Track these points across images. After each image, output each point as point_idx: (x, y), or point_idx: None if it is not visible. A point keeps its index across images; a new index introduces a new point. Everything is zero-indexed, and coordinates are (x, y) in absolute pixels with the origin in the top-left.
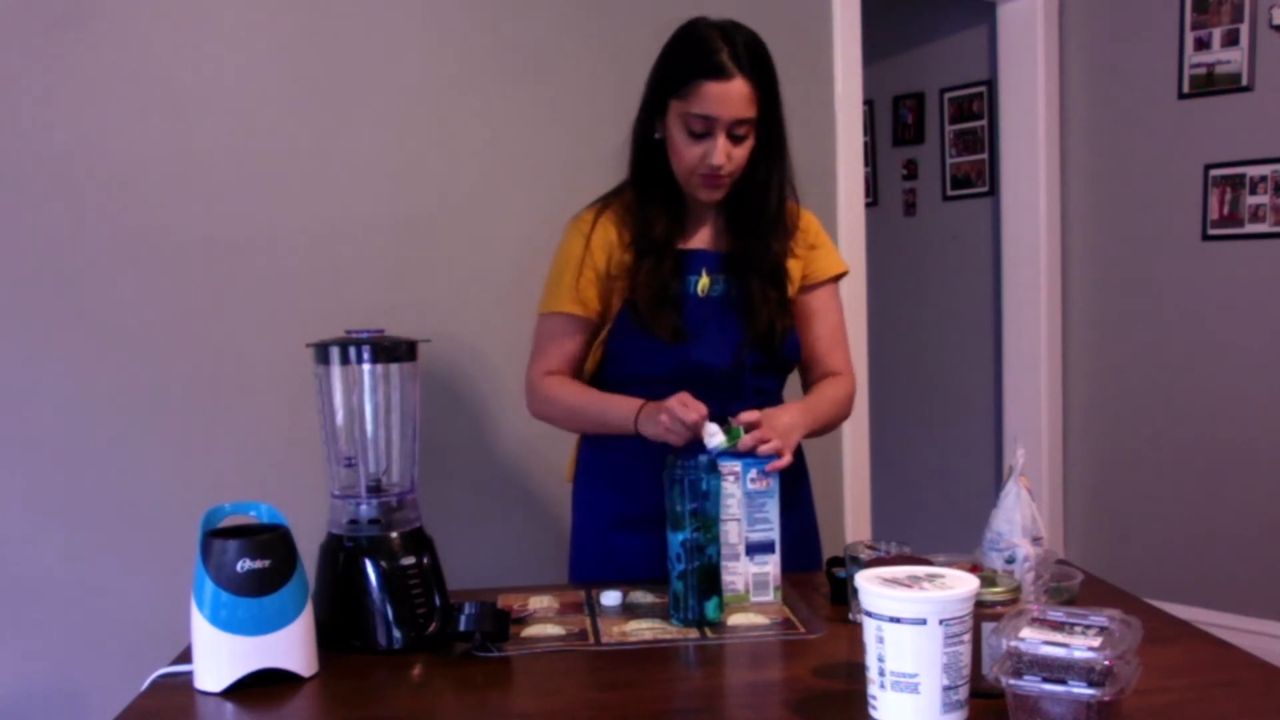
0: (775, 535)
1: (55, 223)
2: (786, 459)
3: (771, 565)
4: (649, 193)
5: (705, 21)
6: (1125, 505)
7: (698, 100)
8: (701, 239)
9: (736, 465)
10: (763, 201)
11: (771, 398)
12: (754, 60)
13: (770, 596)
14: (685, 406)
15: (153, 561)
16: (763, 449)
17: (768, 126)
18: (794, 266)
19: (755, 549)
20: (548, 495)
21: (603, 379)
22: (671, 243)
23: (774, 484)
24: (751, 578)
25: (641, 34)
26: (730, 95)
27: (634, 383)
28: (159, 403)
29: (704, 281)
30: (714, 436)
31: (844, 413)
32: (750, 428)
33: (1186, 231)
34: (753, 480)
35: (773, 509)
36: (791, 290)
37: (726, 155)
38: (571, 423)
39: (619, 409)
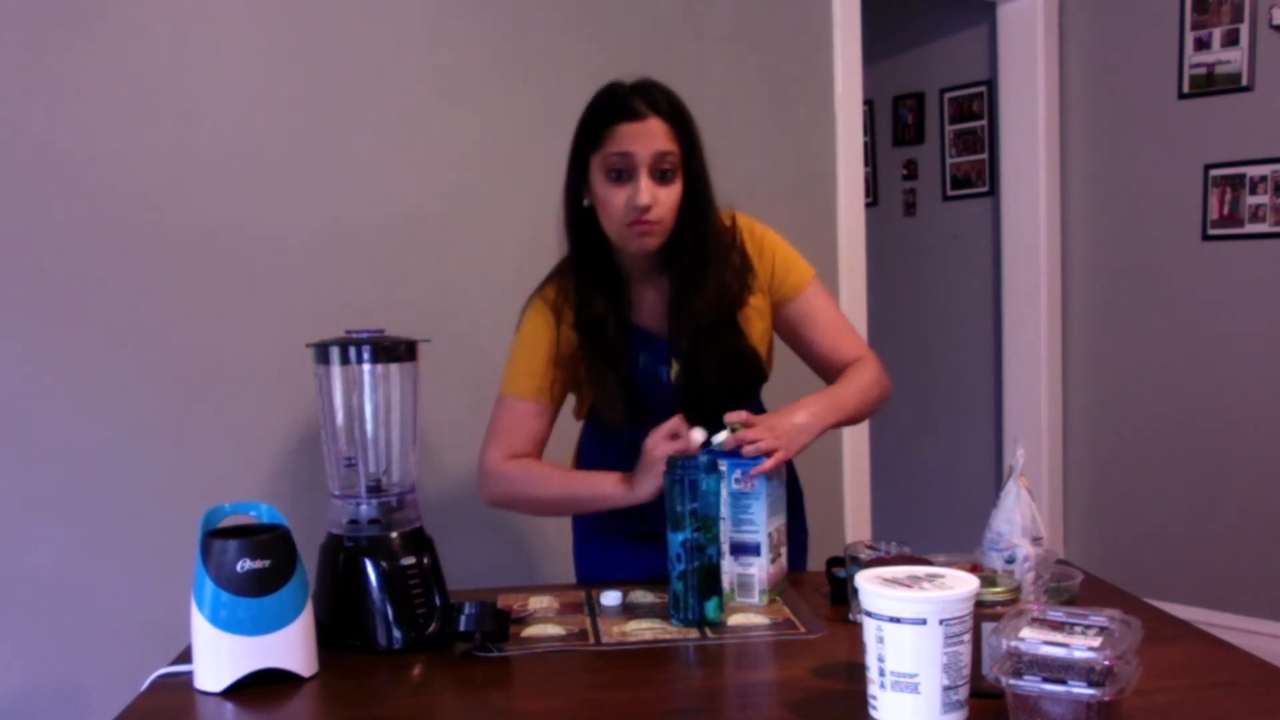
0: (761, 538)
1: (55, 222)
2: (777, 459)
3: (757, 568)
4: (588, 272)
5: (619, 82)
6: (1125, 506)
7: (614, 141)
8: (659, 321)
9: (723, 464)
10: (696, 259)
11: (761, 411)
12: (671, 104)
13: (755, 599)
14: (666, 445)
15: (153, 561)
16: (747, 450)
17: (689, 175)
18: (760, 303)
19: (739, 550)
20: None
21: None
22: (606, 325)
23: (759, 485)
24: (736, 578)
25: (641, 35)
26: (647, 131)
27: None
28: (158, 402)
29: (675, 369)
30: (712, 435)
31: (878, 393)
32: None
33: (1186, 231)
34: (737, 481)
35: (759, 511)
36: (763, 325)
37: (651, 196)
38: (547, 506)
39: (604, 489)
